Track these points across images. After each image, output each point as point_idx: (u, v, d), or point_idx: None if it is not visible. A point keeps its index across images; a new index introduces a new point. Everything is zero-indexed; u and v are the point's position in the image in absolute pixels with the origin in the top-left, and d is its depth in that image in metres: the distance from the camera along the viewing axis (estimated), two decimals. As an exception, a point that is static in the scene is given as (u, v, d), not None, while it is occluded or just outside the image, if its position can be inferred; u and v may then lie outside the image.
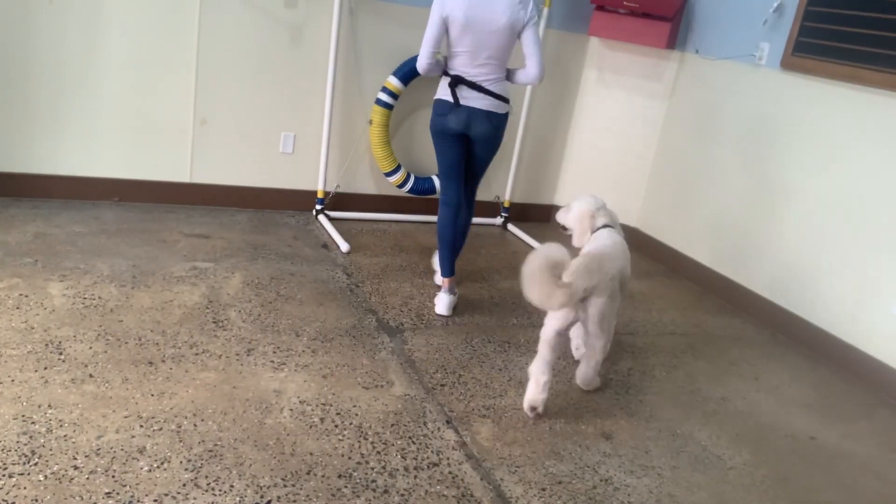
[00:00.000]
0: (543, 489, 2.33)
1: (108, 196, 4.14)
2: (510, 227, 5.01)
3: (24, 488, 1.92)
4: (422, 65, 3.22)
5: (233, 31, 4.12)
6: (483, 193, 5.08)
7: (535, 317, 3.62)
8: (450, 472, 2.32)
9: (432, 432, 2.51)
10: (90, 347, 2.65)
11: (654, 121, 4.89)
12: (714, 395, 3.16)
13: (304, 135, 4.44)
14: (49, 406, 2.27)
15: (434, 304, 3.50)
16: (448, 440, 2.49)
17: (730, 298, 4.29)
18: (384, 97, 4.38)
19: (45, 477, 1.98)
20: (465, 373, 2.96)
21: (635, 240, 5.05)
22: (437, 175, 4.64)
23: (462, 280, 3.93)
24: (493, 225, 5.06)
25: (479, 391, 2.84)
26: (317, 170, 4.47)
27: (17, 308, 2.82)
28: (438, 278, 3.66)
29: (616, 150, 5.06)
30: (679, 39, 4.68)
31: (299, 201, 4.55)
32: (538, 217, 5.30)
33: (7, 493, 1.89)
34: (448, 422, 2.60)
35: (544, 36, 4.74)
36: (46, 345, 2.61)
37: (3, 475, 1.95)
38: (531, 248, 4.68)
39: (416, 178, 4.64)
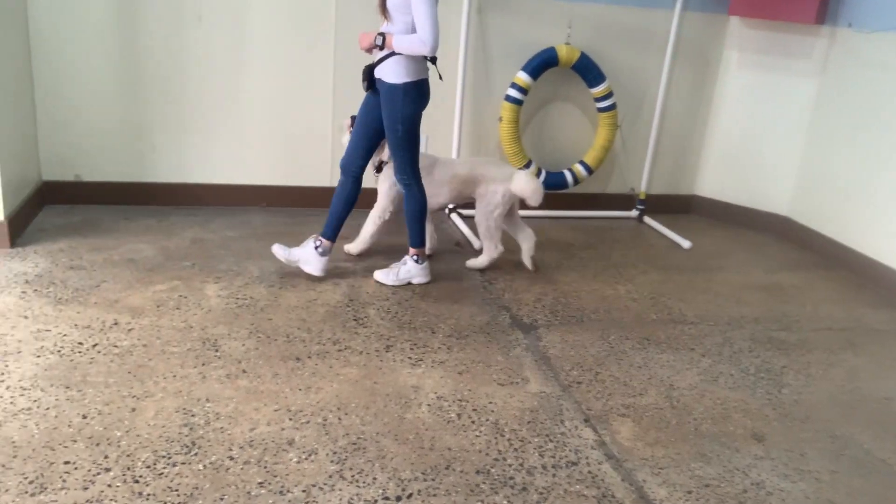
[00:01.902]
0: (689, 492, 2.23)
1: (256, 202, 4.39)
2: (646, 219, 4.85)
3: (186, 476, 2.07)
4: (436, 45, 3.03)
5: (365, 37, 4.24)
6: (616, 185, 4.96)
7: (675, 313, 3.48)
8: (589, 472, 2.27)
9: (570, 430, 2.47)
10: (243, 345, 2.81)
11: (803, 102, 4.57)
12: (877, 395, 2.91)
13: (436, 135, 4.50)
14: (207, 400, 2.44)
15: (419, 278, 3.51)
16: (587, 439, 2.44)
17: (894, 290, 3.93)
18: (513, 93, 4.36)
19: (204, 466, 2.12)
20: (603, 370, 2.89)
21: (786, 229, 4.75)
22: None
23: (597, 274, 3.86)
24: (628, 218, 4.91)
25: (618, 389, 2.77)
26: (449, 169, 4.52)
27: (178, 308, 3.04)
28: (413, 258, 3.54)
29: (762, 135, 4.78)
30: (829, 13, 4.34)
31: (432, 200, 4.61)
32: (677, 208, 5.10)
33: (171, 481, 2.05)
34: (586, 420, 2.55)
35: (680, 18, 4.56)
36: (204, 342, 2.80)
37: (168, 464, 2.11)
38: (671, 241, 4.52)
39: (547, 172, 4.60)
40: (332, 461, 2.19)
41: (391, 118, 3.20)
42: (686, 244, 4.43)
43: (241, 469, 2.12)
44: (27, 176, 3.85)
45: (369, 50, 3.19)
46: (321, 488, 2.08)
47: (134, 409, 2.34)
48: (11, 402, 2.31)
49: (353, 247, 3.78)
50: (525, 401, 2.62)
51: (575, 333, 3.18)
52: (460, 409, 2.52)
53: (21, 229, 3.65)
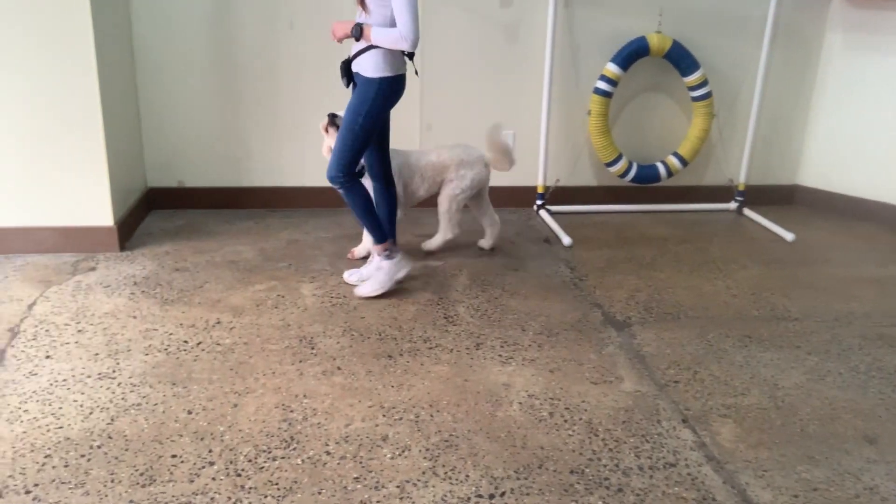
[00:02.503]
0: (796, 496, 2.13)
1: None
2: (746, 211, 4.66)
3: (286, 471, 2.13)
4: (416, 40, 2.89)
5: (452, 37, 4.26)
6: (713, 176, 4.80)
7: (778, 310, 3.33)
8: (688, 474, 2.20)
9: (667, 431, 2.40)
10: (337, 342, 2.87)
11: (916, 82, 4.29)
12: None
13: (523, 131, 4.48)
14: (304, 396, 2.50)
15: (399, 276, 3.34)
16: (685, 440, 2.36)
17: None
18: (602, 85, 4.28)
19: (303, 461, 2.18)
20: (701, 369, 2.80)
21: (898, 219, 4.46)
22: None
23: (693, 270, 3.73)
24: (727, 210, 4.74)
25: (718, 389, 2.67)
26: (536, 165, 4.48)
27: (276, 307, 3.14)
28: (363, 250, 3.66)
29: (870, 119, 4.51)
30: (946, -15, 4.06)
31: (520, 198, 4.59)
32: (779, 199, 4.88)
33: (272, 475, 2.11)
34: (684, 420, 2.47)
35: (778, 0, 4.36)
36: (300, 340, 2.88)
37: (269, 458, 2.18)
38: (773, 234, 4.33)
39: (638, 166, 4.49)
40: (425, 458, 2.21)
41: (356, 110, 3.02)
42: (789, 236, 4.23)
43: (338, 464, 2.17)
44: (134, 183, 4.07)
45: (341, 40, 3.05)
46: (415, 484, 2.10)
47: (236, 405, 2.43)
48: (123, 398, 2.44)
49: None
50: (619, 400, 2.57)
51: (671, 331, 3.09)
52: (552, 408, 2.49)
53: (129, 234, 3.86)
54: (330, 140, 3.37)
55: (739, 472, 2.22)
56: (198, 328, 2.93)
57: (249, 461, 2.16)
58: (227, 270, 3.50)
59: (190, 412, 2.38)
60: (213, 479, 2.08)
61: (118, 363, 2.66)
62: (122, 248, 3.70)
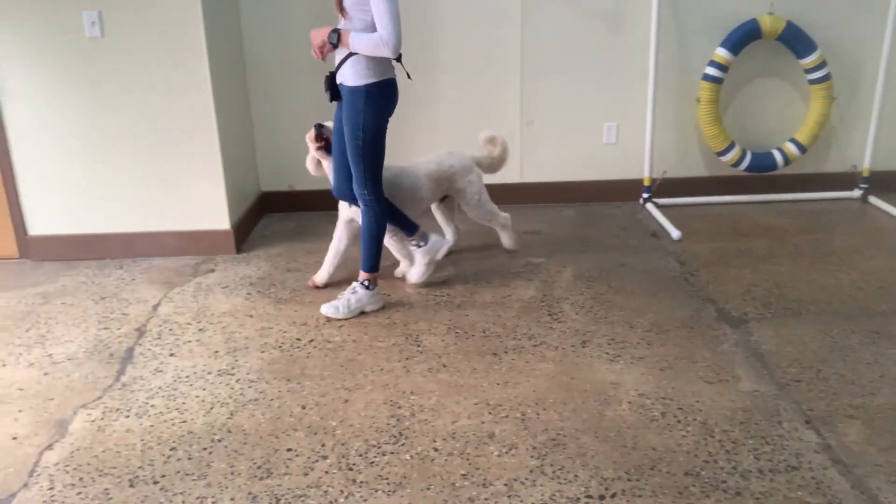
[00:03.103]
0: (936, 505, 1.97)
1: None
2: (871, 199, 4.37)
3: (395, 466, 2.17)
4: (398, 45, 2.72)
5: (552, 30, 4.21)
6: (834, 163, 4.52)
7: (911, 302, 3.10)
8: (812, 478, 2.08)
9: (788, 432, 2.28)
10: (442, 340, 2.90)
11: None
12: None
13: (627, 123, 4.37)
14: (411, 392, 2.54)
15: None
16: (808, 442, 2.23)
17: None
18: (712, 71, 4.12)
19: (411, 457, 2.21)
20: (825, 367, 2.64)
21: None
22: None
23: (814, 262, 3.53)
24: (850, 198, 4.45)
25: (844, 388, 2.51)
26: (642, 157, 4.36)
27: (382, 305, 3.20)
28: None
29: None
30: None
31: (625, 191, 4.48)
32: (908, 185, 4.54)
33: (381, 470, 2.15)
34: (807, 421, 2.33)
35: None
36: (406, 337, 2.92)
37: (378, 453, 2.22)
38: (901, 222, 4.03)
39: (753, 154, 4.29)
40: (532, 456, 2.19)
41: (352, 126, 2.87)
42: (922, 225, 3.93)
43: (445, 460, 2.18)
44: (249, 188, 4.25)
45: (322, 48, 2.84)
46: (522, 483, 2.08)
47: (346, 401, 2.49)
48: (241, 394, 2.56)
49: (318, 277, 3.46)
50: (736, 400, 2.46)
51: (791, 327, 2.93)
52: (664, 408, 2.42)
53: (245, 236, 4.03)
54: (316, 153, 3.24)
55: (869, 476, 2.08)
56: (309, 326, 3.03)
57: (360, 455, 2.21)
58: (336, 270, 3.59)
59: (303, 407, 2.47)
60: (327, 472, 2.14)
61: (236, 360, 2.78)
62: (239, 250, 3.87)
